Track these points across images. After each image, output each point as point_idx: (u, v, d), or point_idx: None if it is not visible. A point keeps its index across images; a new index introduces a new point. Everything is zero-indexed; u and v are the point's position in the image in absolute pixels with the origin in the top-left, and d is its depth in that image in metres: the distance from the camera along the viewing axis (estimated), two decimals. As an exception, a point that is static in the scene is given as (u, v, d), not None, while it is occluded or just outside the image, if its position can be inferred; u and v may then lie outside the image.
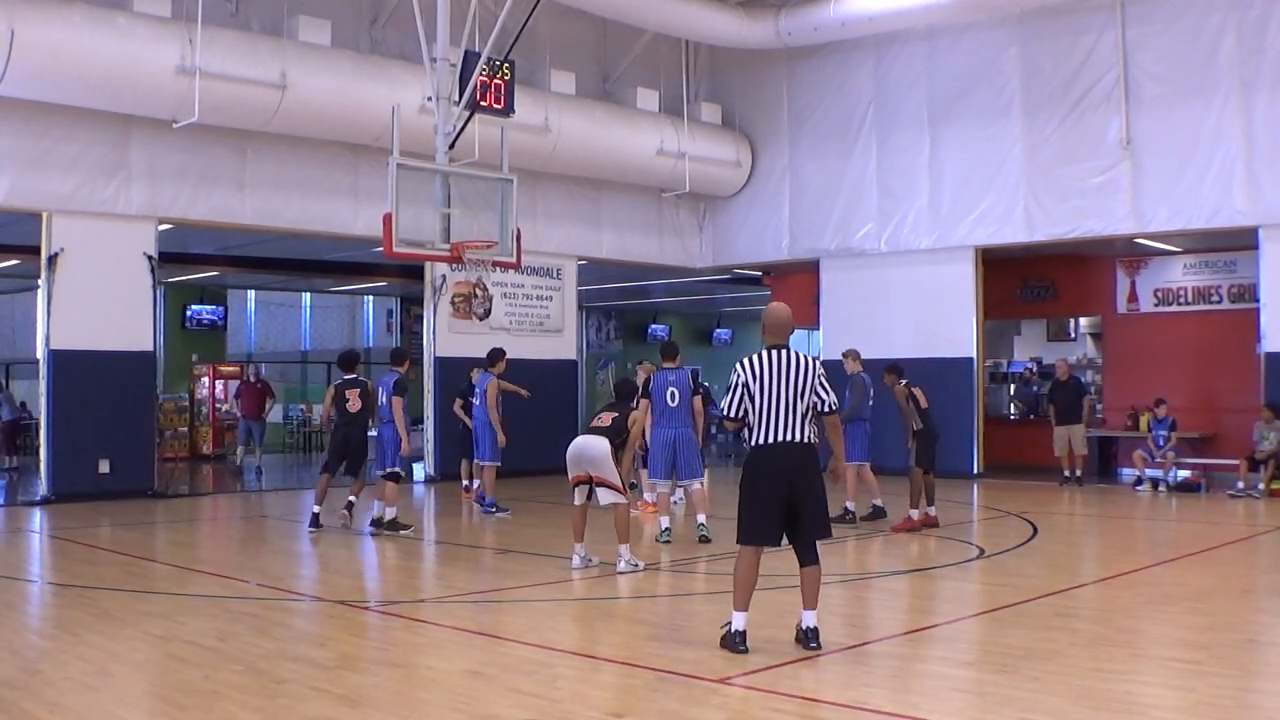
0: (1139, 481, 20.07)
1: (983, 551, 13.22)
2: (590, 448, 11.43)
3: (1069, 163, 20.84)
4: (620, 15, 21.74)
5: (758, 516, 8.01)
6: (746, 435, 8.15)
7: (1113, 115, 20.35)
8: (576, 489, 11.56)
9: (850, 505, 15.27)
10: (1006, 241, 21.81)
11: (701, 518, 13.51)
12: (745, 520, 8.06)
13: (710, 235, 26.33)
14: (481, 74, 15.22)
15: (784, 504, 7.96)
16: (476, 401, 17.01)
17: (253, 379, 25.09)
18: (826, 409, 8.13)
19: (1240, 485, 18.74)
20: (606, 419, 11.79)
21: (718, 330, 43.27)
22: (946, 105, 22.35)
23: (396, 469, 15.09)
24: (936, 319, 22.38)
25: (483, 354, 17.88)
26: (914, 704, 6.92)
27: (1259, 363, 19.57)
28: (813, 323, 24.76)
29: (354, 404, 14.84)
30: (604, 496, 11.45)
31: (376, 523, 14.79)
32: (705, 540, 13.12)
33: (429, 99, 15.34)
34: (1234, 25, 19.34)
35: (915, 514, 14.58)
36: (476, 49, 15.24)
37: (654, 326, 41.54)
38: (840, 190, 23.82)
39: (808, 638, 7.94)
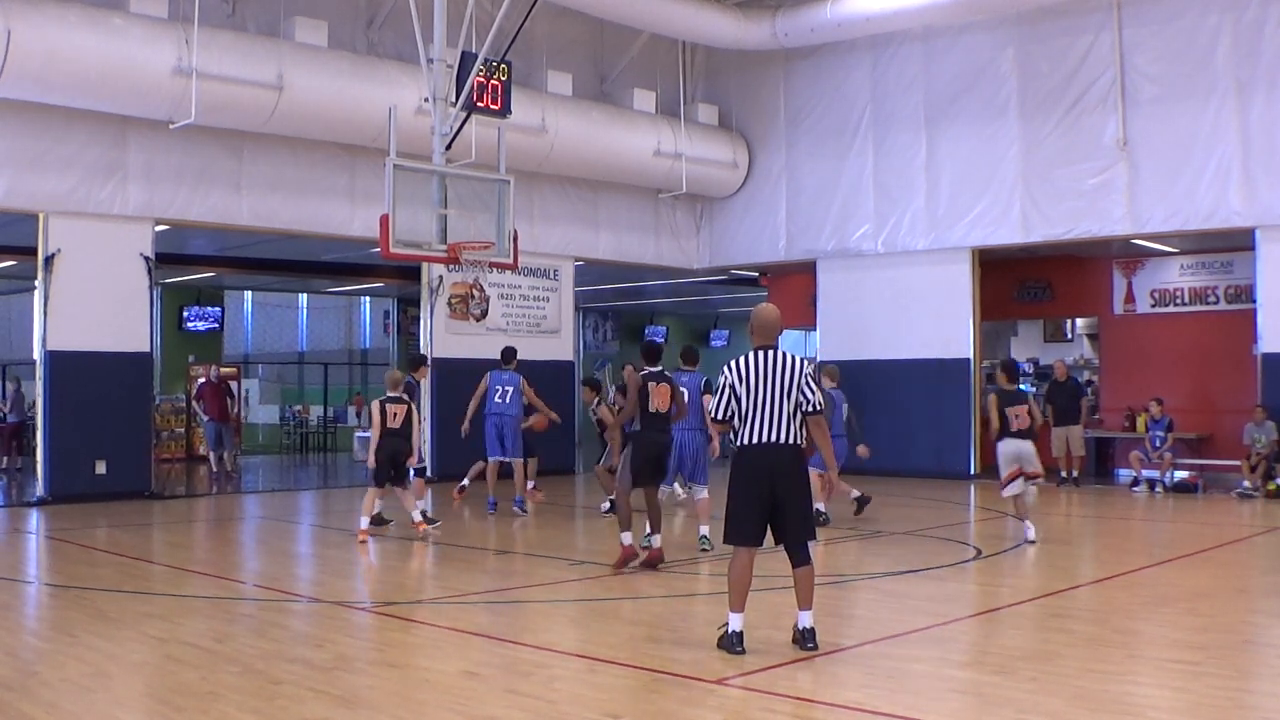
0: (1136, 482, 20.10)
1: (980, 552, 13.23)
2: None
3: (1065, 164, 20.85)
4: (617, 16, 21.73)
5: (740, 516, 8.07)
6: (733, 436, 8.19)
7: (1109, 116, 20.36)
8: None
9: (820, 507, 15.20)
10: (1003, 242, 21.83)
11: (705, 529, 13.04)
12: (729, 520, 8.14)
13: (707, 236, 26.33)
14: (478, 75, 15.22)
15: (767, 504, 8.02)
16: (506, 400, 16.69)
17: (214, 379, 24.77)
18: (811, 409, 8.12)
19: (1246, 484, 18.80)
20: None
21: (715, 331, 43.28)
22: (943, 106, 22.37)
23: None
24: (933, 320, 22.38)
25: (482, 354, 17.88)
26: (911, 705, 6.92)
27: (1256, 363, 19.60)
28: (810, 324, 24.79)
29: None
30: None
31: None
32: (705, 550, 12.90)
33: (426, 100, 15.34)
34: (1230, 26, 19.36)
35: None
36: (473, 50, 15.24)
37: (651, 327, 41.57)
38: (837, 191, 23.82)
39: (804, 638, 7.96)
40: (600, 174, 23.71)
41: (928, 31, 22.35)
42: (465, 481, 17.67)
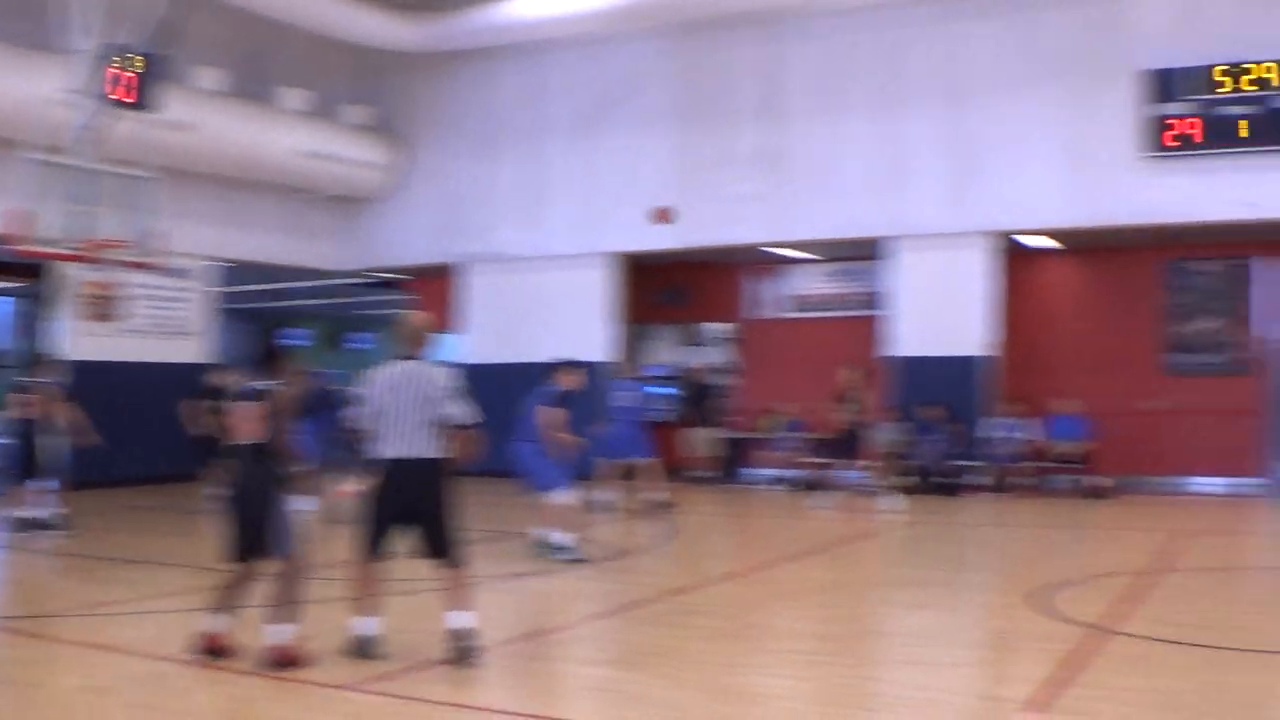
0: (768, 481, 20.81)
1: (617, 551, 13.46)
2: None
3: (716, 172, 21.52)
4: (269, 11, 21.18)
5: (371, 527, 7.98)
6: (368, 448, 8.04)
7: (759, 127, 21.17)
8: None
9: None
10: (650, 248, 22.34)
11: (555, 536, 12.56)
12: (361, 530, 8.02)
13: (356, 238, 25.85)
14: (117, 66, 14.66)
15: (398, 517, 7.95)
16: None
17: None
18: (457, 424, 7.96)
19: (873, 481, 19.52)
20: None
21: (355, 335, 42.79)
22: (599, 113, 22.69)
23: None
24: (575, 323, 22.65)
25: (118, 356, 17.19)
26: (547, 704, 7.01)
27: (884, 367, 20.58)
28: (455, 327, 24.69)
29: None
30: None
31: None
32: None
33: (64, 92, 14.66)
34: (873, 47, 20.45)
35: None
36: (119, 42, 14.68)
37: (290, 330, 40.65)
38: (488, 195, 23.85)
39: (456, 640, 7.82)
40: (248, 172, 23.03)
41: (587, 39, 22.51)
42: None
